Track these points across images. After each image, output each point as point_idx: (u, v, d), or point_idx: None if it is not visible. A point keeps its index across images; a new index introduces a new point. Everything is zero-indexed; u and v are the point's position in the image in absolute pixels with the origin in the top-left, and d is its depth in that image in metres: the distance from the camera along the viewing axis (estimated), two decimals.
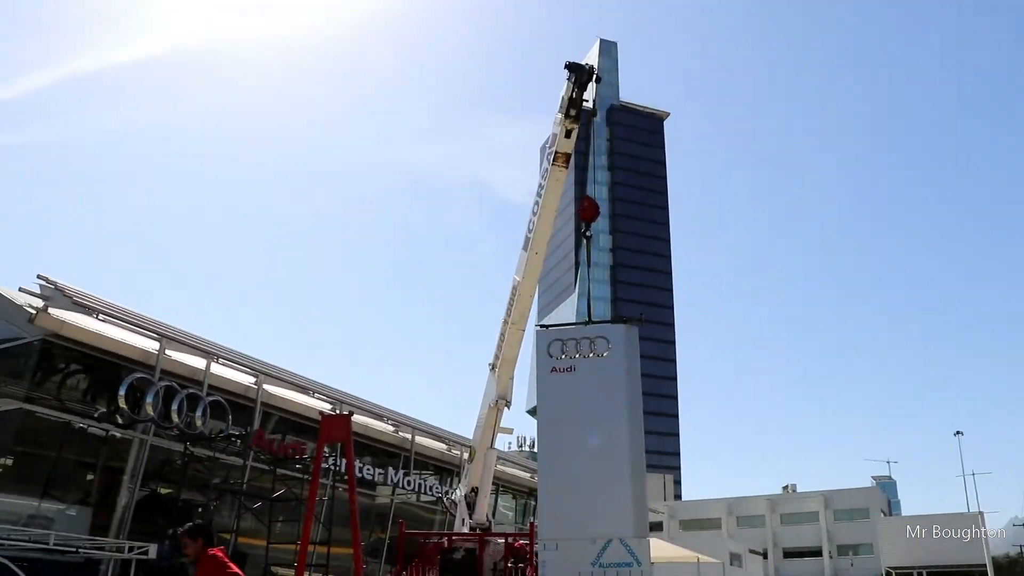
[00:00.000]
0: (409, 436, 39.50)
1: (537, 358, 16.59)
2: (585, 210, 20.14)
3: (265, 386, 31.52)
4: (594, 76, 19.70)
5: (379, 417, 38.97)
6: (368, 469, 35.26)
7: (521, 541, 25.36)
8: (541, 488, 16.84)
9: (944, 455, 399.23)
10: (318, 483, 24.68)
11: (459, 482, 30.06)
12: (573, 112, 20.01)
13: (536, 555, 17.68)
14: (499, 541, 25.19)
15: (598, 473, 15.61)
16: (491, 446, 26.13)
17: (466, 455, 30.00)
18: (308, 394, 35.17)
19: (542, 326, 17.16)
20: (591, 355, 16.22)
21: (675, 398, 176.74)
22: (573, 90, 19.62)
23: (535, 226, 22.08)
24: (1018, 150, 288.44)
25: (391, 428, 39.05)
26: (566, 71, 19.69)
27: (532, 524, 31.18)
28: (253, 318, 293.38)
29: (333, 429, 24.74)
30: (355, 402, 37.65)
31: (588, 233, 20.63)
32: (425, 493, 39.24)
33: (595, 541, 15.15)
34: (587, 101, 20.13)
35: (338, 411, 33.50)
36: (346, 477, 25.79)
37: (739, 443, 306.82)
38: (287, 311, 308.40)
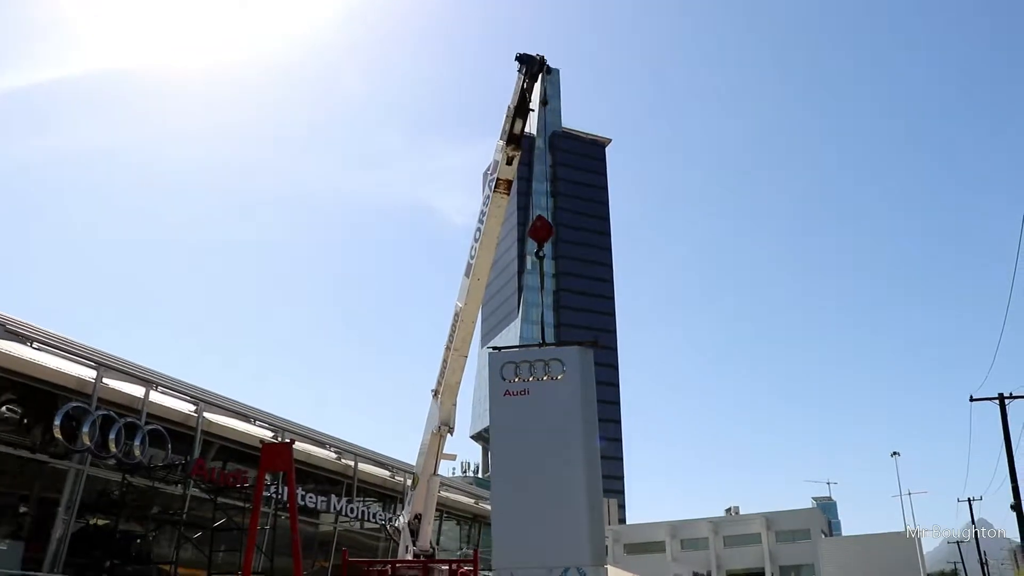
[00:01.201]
0: (352, 463, 38.97)
1: (490, 380, 16.27)
2: (538, 230, 19.97)
3: (205, 414, 30.86)
4: (544, 67, 19.94)
5: (321, 444, 38.38)
6: (311, 497, 34.63)
7: (466, 568, 25.17)
8: (494, 515, 16.50)
9: (882, 475, 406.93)
10: (259, 512, 24.20)
11: (402, 509, 29.72)
12: (518, 128, 20.13)
13: None
14: (443, 568, 25.03)
15: (554, 499, 15.29)
16: (434, 472, 25.96)
17: (409, 482, 29.67)
18: (249, 422, 34.50)
19: (494, 348, 16.81)
20: (545, 378, 15.94)
21: (618, 422, 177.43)
22: (524, 81, 19.80)
23: (476, 253, 22.19)
24: (950, 175, 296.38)
25: (333, 455, 38.48)
26: (517, 63, 19.94)
27: (476, 551, 30.93)
28: (193, 345, 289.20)
29: (274, 458, 24.39)
30: (297, 429, 37.01)
31: (541, 253, 20.48)
32: (368, 520, 38.70)
33: (551, 570, 14.86)
34: (532, 110, 20.27)
35: (279, 439, 32.92)
36: (288, 505, 25.34)
37: (682, 466, 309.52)
38: (228, 337, 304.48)
